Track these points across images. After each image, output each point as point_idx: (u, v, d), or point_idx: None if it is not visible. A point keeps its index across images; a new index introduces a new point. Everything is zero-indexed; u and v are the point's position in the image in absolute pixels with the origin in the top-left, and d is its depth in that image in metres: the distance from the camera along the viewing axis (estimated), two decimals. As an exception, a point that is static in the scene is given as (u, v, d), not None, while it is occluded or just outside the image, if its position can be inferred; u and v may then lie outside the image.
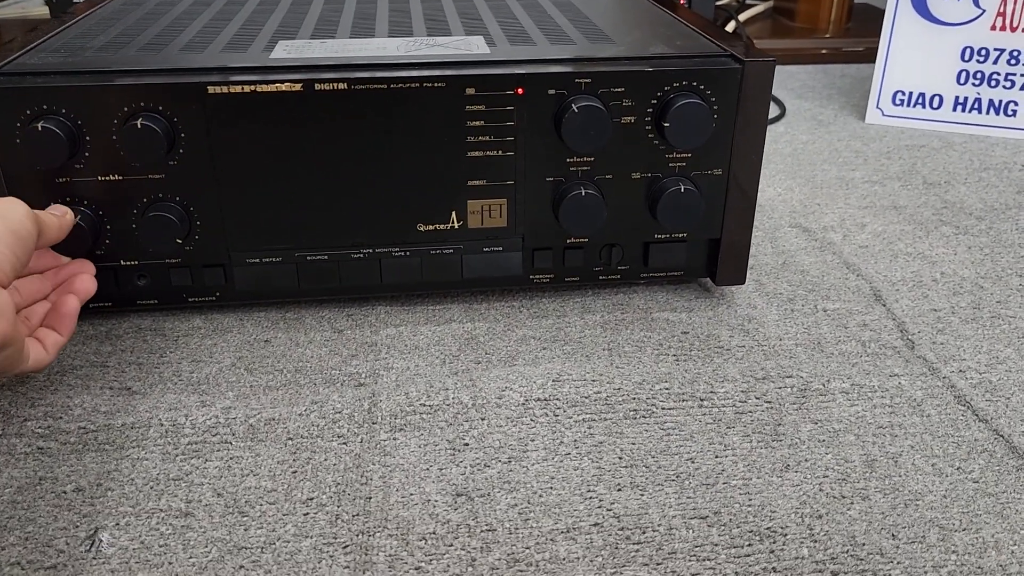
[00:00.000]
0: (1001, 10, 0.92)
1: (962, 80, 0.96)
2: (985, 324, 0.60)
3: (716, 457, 0.47)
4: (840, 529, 0.42)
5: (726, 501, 0.44)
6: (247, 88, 0.51)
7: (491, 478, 0.45)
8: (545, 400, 0.51)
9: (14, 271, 0.43)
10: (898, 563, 0.40)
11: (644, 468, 0.46)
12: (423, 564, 0.40)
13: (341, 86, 0.52)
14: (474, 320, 0.60)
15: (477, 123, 0.54)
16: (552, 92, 0.54)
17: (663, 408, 0.51)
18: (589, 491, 0.45)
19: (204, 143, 0.52)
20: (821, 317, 0.60)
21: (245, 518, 0.43)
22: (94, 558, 0.40)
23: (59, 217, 0.49)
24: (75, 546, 0.41)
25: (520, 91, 0.53)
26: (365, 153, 0.54)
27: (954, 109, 0.97)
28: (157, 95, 0.51)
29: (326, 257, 0.57)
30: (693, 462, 0.47)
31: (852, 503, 0.44)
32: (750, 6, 1.37)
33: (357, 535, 0.42)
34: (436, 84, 0.53)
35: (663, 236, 0.59)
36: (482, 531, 0.42)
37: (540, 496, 0.44)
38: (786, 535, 0.42)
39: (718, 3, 1.26)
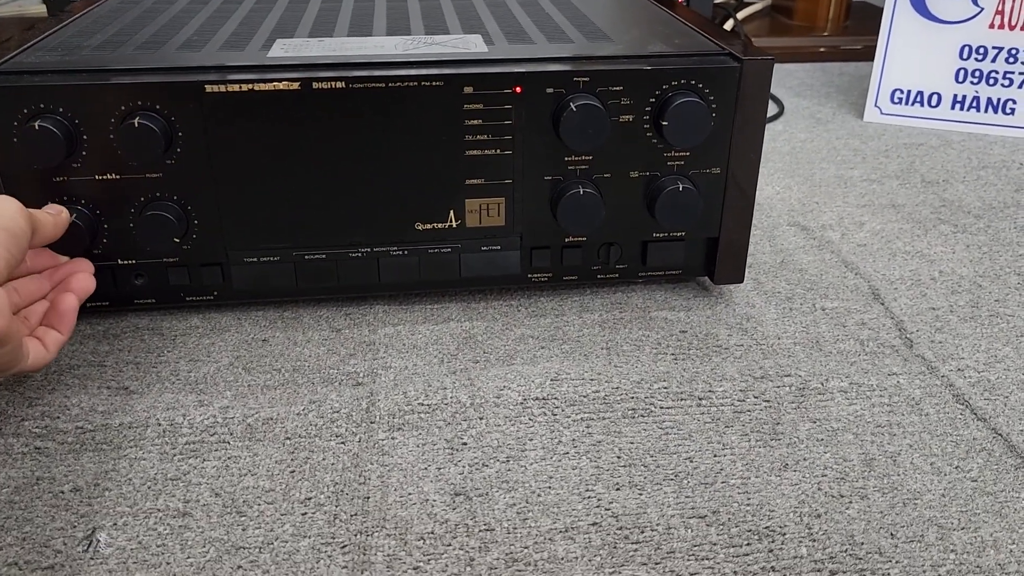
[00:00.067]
0: (1000, 8, 0.92)
1: (960, 78, 0.96)
2: (983, 323, 0.59)
3: (714, 456, 0.47)
4: (839, 528, 0.42)
5: (724, 500, 0.44)
6: (244, 87, 0.51)
7: (489, 477, 0.45)
8: (543, 399, 0.51)
9: (8, 267, 0.43)
10: (897, 562, 0.40)
11: (642, 467, 0.46)
12: (421, 564, 0.40)
13: (339, 85, 0.52)
14: (472, 319, 0.60)
15: (475, 122, 0.54)
16: (550, 91, 0.54)
17: (661, 407, 0.51)
18: (587, 490, 0.45)
19: (201, 142, 0.52)
20: (819, 316, 0.60)
21: (243, 518, 0.43)
22: (91, 558, 0.40)
23: (54, 215, 0.49)
24: (72, 546, 0.41)
25: (518, 90, 0.53)
26: (363, 152, 0.54)
27: (952, 107, 0.97)
28: (154, 94, 0.51)
29: (324, 256, 0.57)
30: (691, 461, 0.47)
31: (851, 502, 0.44)
32: (748, 4, 1.37)
33: (355, 535, 0.42)
34: (434, 83, 0.52)
35: (661, 235, 0.59)
36: (480, 531, 0.42)
37: (538, 495, 0.44)
38: (784, 534, 0.42)
39: (716, 1, 1.25)
